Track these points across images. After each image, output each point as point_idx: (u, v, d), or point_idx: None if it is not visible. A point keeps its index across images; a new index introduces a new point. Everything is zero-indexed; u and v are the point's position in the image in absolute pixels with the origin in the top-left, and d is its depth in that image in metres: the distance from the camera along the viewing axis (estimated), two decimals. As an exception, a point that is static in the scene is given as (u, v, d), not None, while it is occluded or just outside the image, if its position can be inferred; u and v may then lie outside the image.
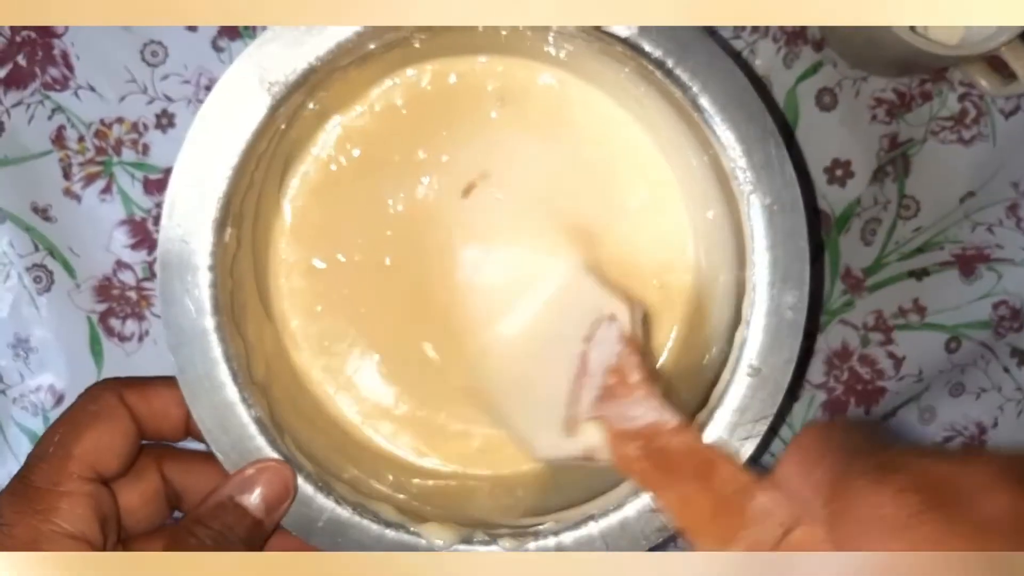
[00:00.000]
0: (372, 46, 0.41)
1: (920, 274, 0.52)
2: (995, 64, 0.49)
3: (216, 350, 0.39)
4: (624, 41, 0.40)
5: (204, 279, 0.39)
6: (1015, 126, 0.51)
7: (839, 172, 0.51)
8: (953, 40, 0.48)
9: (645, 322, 0.43)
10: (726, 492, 0.33)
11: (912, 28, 0.45)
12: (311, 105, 0.42)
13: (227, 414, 0.39)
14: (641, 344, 0.41)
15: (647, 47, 0.40)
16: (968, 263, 0.52)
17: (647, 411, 0.38)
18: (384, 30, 0.40)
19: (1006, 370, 0.53)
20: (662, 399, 0.39)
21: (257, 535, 0.39)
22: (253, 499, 0.39)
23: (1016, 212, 0.52)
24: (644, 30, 0.40)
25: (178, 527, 0.38)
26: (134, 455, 0.41)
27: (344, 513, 0.40)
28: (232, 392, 0.39)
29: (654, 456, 0.37)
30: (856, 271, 0.52)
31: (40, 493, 0.37)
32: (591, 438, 0.40)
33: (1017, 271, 0.53)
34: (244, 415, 0.39)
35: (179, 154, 0.39)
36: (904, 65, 0.50)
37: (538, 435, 0.42)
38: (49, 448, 0.39)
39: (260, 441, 0.40)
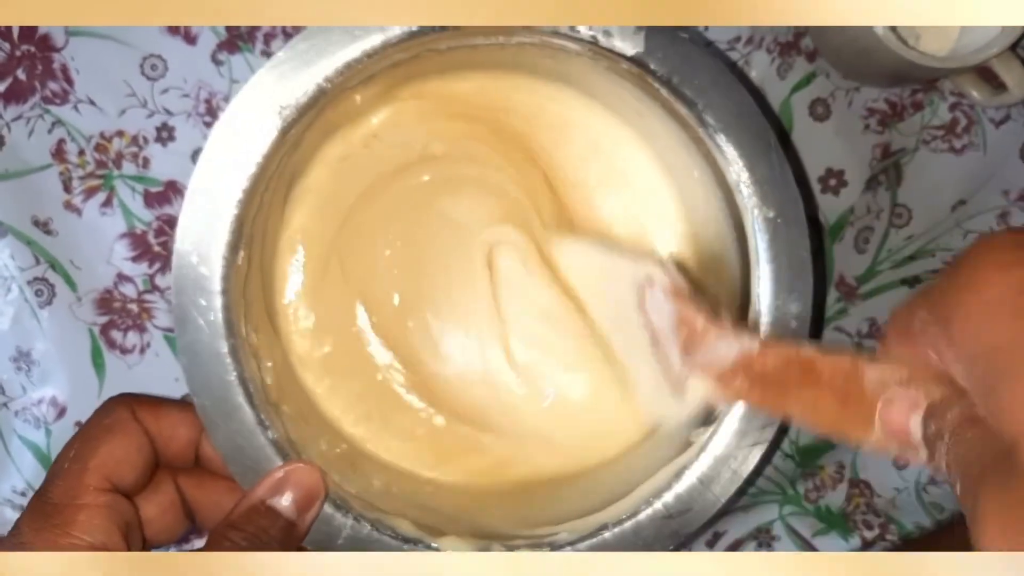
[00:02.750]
0: (380, 65, 0.41)
1: (912, 282, 0.53)
2: (985, 74, 0.50)
3: (231, 373, 0.39)
4: (631, 59, 0.41)
5: (218, 303, 0.39)
6: (1005, 135, 0.52)
7: (832, 181, 0.52)
8: (943, 52, 0.48)
9: (680, 268, 0.43)
10: (838, 383, 0.33)
11: (904, 41, 0.46)
12: (316, 126, 0.42)
13: (244, 436, 0.40)
14: (688, 289, 0.41)
15: (653, 65, 0.41)
16: (959, 270, 0.53)
17: (729, 345, 0.38)
18: (393, 49, 0.40)
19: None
20: (735, 328, 0.38)
21: (291, 537, 0.39)
22: (284, 501, 0.39)
23: (1007, 220, 0.53)
24: (650, 49, 0.40)
25: (212, 532, 0.39)
26: (150, 469, 0.41)
27: (363, 530, 0.41)
28: (248, 415, 0.40)
29: (759, 381, 0.36)
30: (849, 279, 0.53)
31: (58, 508, 0.38)
32: (701, 390, 0.39)
33: (1007, 278, 0.53)
34: (261, 437, 0.40)
35: (191, 179, 0.39)
36: (896, 76, 0.50)
37: (659, 411, 0.42)
38: (65, 464, 0.39)
39: (278, 462, 0.40)
